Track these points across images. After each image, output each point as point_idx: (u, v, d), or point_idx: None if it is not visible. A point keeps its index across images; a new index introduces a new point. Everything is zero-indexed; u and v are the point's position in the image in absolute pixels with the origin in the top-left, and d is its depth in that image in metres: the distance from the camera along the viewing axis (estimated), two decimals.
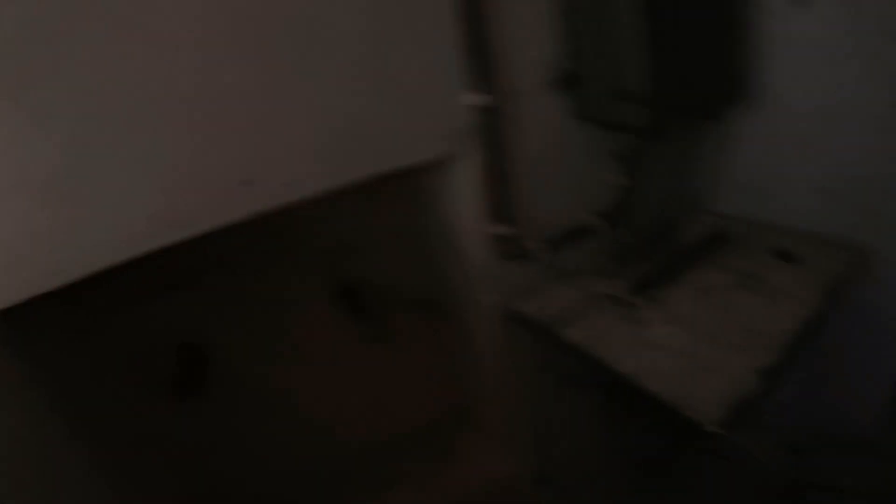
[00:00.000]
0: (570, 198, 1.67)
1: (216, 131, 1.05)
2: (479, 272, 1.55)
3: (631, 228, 1.73)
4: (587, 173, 1.69)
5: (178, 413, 1.52)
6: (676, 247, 1.85)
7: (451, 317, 1.78)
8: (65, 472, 1.23)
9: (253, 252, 1.52)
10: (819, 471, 2.15)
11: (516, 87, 1.44)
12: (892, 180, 1.79)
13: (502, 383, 1.68)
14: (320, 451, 1.78)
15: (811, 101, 1.83)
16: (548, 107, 1.52)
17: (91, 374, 1.38)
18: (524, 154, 1.50)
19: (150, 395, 1.49)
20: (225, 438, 1.63)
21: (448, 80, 1.31)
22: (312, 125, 1.15)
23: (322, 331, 1.68)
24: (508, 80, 1.42)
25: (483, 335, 1.66)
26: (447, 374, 1.91)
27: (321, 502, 1.80)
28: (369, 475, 1.84)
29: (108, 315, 1.41)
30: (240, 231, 1.10)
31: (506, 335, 1.63)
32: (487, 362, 1.68)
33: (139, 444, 1.49)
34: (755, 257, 1.73)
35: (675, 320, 1.46)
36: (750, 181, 2.08)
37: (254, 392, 1.63)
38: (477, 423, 1.90)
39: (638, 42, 1.30)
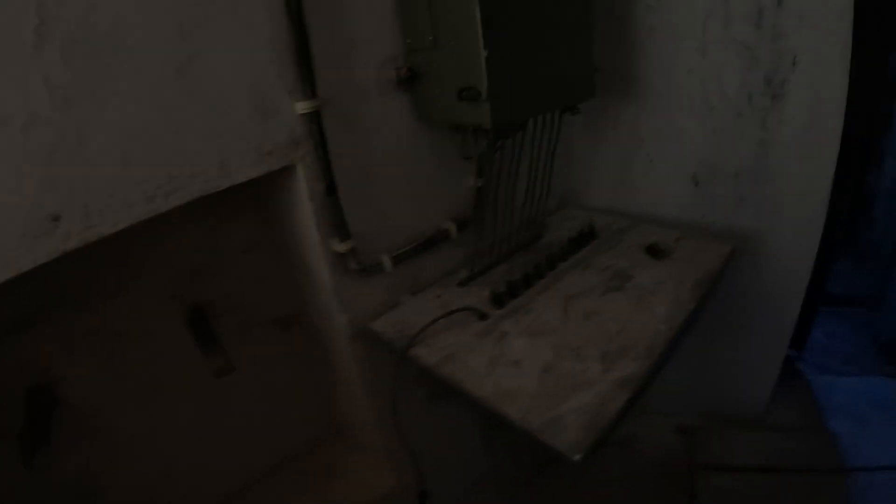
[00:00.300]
0: (422, 204, 1.54)
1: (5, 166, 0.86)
2: (327, 289, 1.39)
3: (490, 233, 1.62)
4: (439, 177, 1.56)
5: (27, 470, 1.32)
6: (542, 249, 1.75)
7: (312, 335, 1.65)
8: None
9: (100, 281, 1.34)
10: (711, 451, 2.18)
11: (353, 88, 1.28)
12: (761, 167, 1.80)
13: (371, 401, 1.57)
14: (191, 492, 1.62)
15: (681, 92, 1.80)
16: (390, 109, 1.37)
17: None
18: (365, 161, 1.36)
19: None
20: (80, 492, 1.44)
21: (271, 85, 1.13)
22: (116, 146, 0.96)
23: (176, 361, 1.51)
24: (343, 81, 1.26)
25: (342, 354, 1.52)
26: (318, 393, 1.79)
27: None
28: None
29: None
30: (80, 260, 0.98)
31: (364, 353, 1.50)
32: (353, 381, 1.56)
33: None
34: (625, 254, 1.66)
35: (539, 332, 1.35)
36: (620, 174, 2.04)
37: (109, 435, 1.45)
38: (355, 441, 1.79)
39: (475, 36, 1.16)
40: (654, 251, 1.61)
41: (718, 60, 1.70)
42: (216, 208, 1.37)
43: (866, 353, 2.54)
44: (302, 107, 1.16)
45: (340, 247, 1.32)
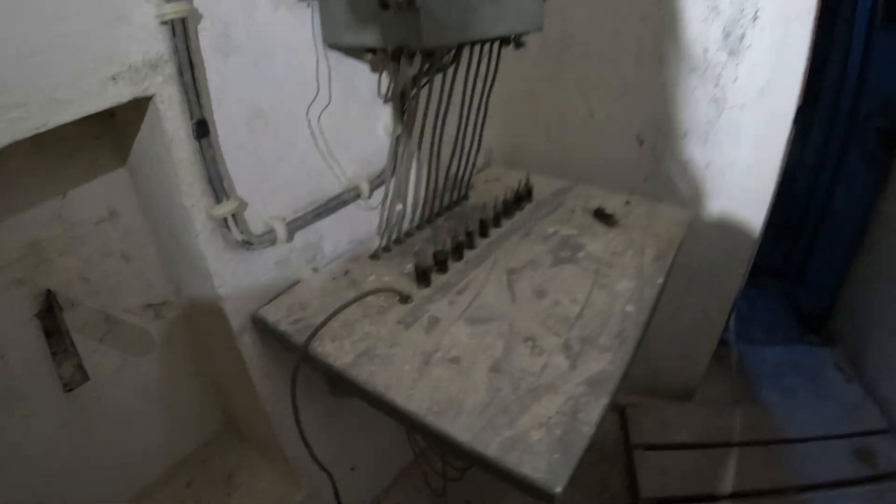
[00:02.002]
0: (326, 157, 1.20)
1: None
2: (203, 267, 1.04)
3: (410, 193, 1.33)
4: (348, 123, 1.22)
5: None
6: (470, 212, 1.48)
7: (192, 323, 1.29)
8: None
9: None
10: (647, 429, 2.05)
11: None
12: (712, 129, 1.60)
13: (270, 402, 1.24)
14: None
15: (630, 40, 1.56)
16: (288, 27, 1.02)
17: None
18: (253, 97, 1.01)
19: None
20: None
21: None
22: None
23: (27, 365, 1.12)
24: None
25: (228, 348, 1.17)
26: (205, 392, 1.43)
27: None
28: None
29: None
30: None
31: (256, 347, 1.17)
32: (244, 379, 1.22)
33: None
34: (570, 220, 1.41)
35: (480, 316, 1.07)
36: (556, 130, 1.79)
37: None
38: (258, 443, 1.47)
39: None
40: (603, 217, 1.38)
41: (675, 6, 1.49)
42: (60, 162, 1.00)
43: (788, 322, 2.51)
44: (165, 11, 0.80)
45: (217, 210, 0.97)
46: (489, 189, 1.60)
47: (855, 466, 1.87)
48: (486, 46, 1.21)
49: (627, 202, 1.47)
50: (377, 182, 1.29)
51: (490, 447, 0.80)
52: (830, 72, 2.25)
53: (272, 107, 1.04)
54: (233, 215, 1.00)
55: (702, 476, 1.87)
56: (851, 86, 2.12)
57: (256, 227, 1.09)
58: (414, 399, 0.89)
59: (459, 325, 1.05)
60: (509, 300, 1.11)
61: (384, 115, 1.27)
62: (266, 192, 1.09)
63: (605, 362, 0.97)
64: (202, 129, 0.91)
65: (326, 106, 1.14)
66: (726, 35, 1.46)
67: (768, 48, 1.44)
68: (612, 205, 1.46)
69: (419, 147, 1.25)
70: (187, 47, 0.85)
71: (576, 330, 1.04)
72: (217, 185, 0.96)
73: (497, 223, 1.39)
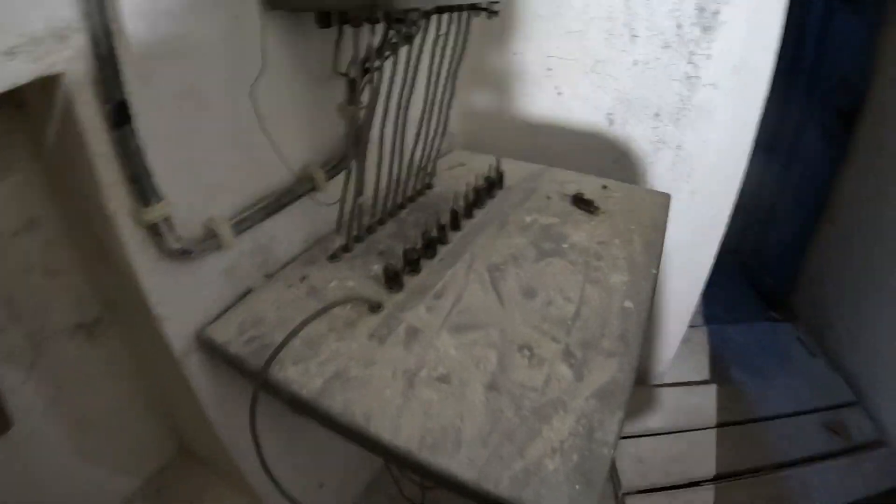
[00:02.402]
0: (274, 143, 1.01)
1: None
2: (136, 283, 0.86)
3: (371, 182, 1.15)
4: (299, 102, 1.05)
5: None
6: (436, 203, 1.33)
7: (131, 340, 1.10)
8: None
9: None
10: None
11: None
12: (684, 108, 1.51)
13: (224, 428, 1.07)
14: None
15: (601, 15, 1.45)
16: None
17: None
18: (184, 76, 0.82)
19: None
20: None
21: None
22: None
23: None
24: None
25: (173, 372, 1.01)
26: (153, 415, 1.24)
27: None
28: None
29: None
30: None
31: (205, 371, 0.99)
32: (193, 404, 1.05)
33: None
34: (547, 207, 1.29)
35: (466, 323, 0.93)
36: (521, 109, 1.67)
37: None
38: (214, 468, 1.29)
39: None
40: (582, 203, 1.27)
41: None
42: None
43: (748, 300, 2.51)
44: None
45: (147, 214, 0.78)
46: (454, 176, 1.46)
47: (828, 440, 1.88)
48: (455, 15, 1.06)
49: (604, 186, 1.37)
50: (333, 171, 1.12)
51: (501, 485, 0.67)
52: (786, 50, 2.23)
53: (208, 85, 0.86)
54: (166, 219, 0.82)
55: (681, 462, 1.83)
56: (808, 64, 2.10)
57: (196, 230, 0.90)
58: (402, 431, 0.75)
59: (443, 335, 0.91)
60: (496, 302, 0.98)
61: (339, 94, 1.11)
62: (205, 189, 0.91)
63: (612, 370, 0.86)
64: (122, 115, 0.73)
65: (272, 83, 0.96)
66: (700, 10, 1.37)
67: (743, 23, 1.36)
68: (589, 189, 1.35)
69: (382, 130, 1.09)
70: (102, 11, 0.66)
71: (575, 333, 0.92)
72: (144, 183, 0.77)
73: (469, 214, 1.25)
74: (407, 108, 1.10)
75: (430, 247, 1.09)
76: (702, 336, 2.33)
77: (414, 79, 1.07)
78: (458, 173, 1.47)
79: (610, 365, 0.87)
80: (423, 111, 1.18)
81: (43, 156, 0.84)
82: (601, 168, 1.60)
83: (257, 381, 0.84)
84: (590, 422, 0.77)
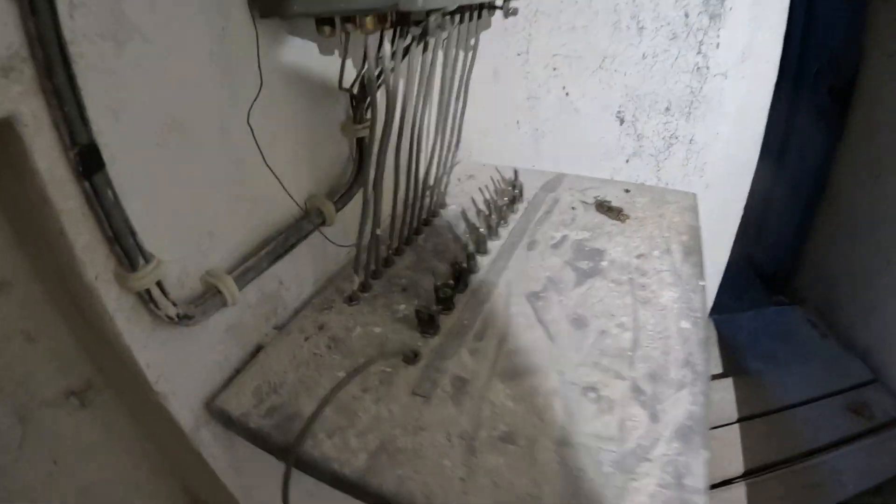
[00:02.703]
0: (276, 175, 0.86)
1: None
2: (133, 357, 0.71)
3: (385, 209, 1.01)
4: (298, 126, 0.90)
5: None
6: (457, 224, 1.18)
7: (129, 403, 0.93)
8: None
9: None
10: None
11: None
12: (695, 99, 1.41)
13: (246, 497, 0.92)
14: None
15: (607, 8, 1.34)
16: None
17: None
18: (165, 104, 0.66)
19: None
20: None
21: None
22: None
23: None
24: None
25: (183, 445, 0.84)
26: (163, 477, 1.07)
27: None
28: None
29: None
30: None
31: (221, 445, 0.82)
32: (208, 476, 0.89)
33: None
34: (575, 220, 1.16)
35: (517, 369, 0.79)
36: (526, 113, 1.55)
37: None
38: None
39: None
40: (609, 210, 1.15)
41: None
42: None
43: (753, 285, 2.44)
44: None
45: (134, 280, 0.63)
46: (465, 191, 1.32)
47: (852, 422, 1.81)
48: (471, 15, 0.93)
49: (627, 190, 1.26)
50: (342, 201, 0.98)
51: None
52: None
53: (196, 114, 0.70)
54: (158, 283, 0.67)
55: (712, 461, 1.74)
56: (796, 43, 2.03)
57: (194, 288, 0.75)
58: None
59: (495, 384, 0.77)
60: (545, 338, 0.85)
61: (341, 111, 0.96)
62: (201, 238, 0.76)
63: (686, 402, 0.74)
64: (92, 161, 0.57)
65: (270, 105, 0.81)
66: None
67: (749, 8, 1.27)
68: (612, 195, 1.23)
69: (398, 148, 0.95)
70: (56, 33, 0.50)
71: (638, 366, 0.80)
72: (127, 242, 0.61)
73: (494, 233, 1.12)
74: (422, 119, 0.96)
75: (459, 279, 0.95)
76: (710, 327, 2.25)
77: (428, 87, 0.93)
78: (468, 187, 1.33)
79: (682, 398, 0.75)
80: (438, 124, 1.04)
81: (6, 210, 0.69)
82: (614, 169, 1.49)
83: (288, 463, 0.69)
84: (676, 469, 0.66)
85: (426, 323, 0.85)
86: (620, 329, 0.86)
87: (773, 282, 2.39)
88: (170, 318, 0.69)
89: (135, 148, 0.64)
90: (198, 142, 0.72)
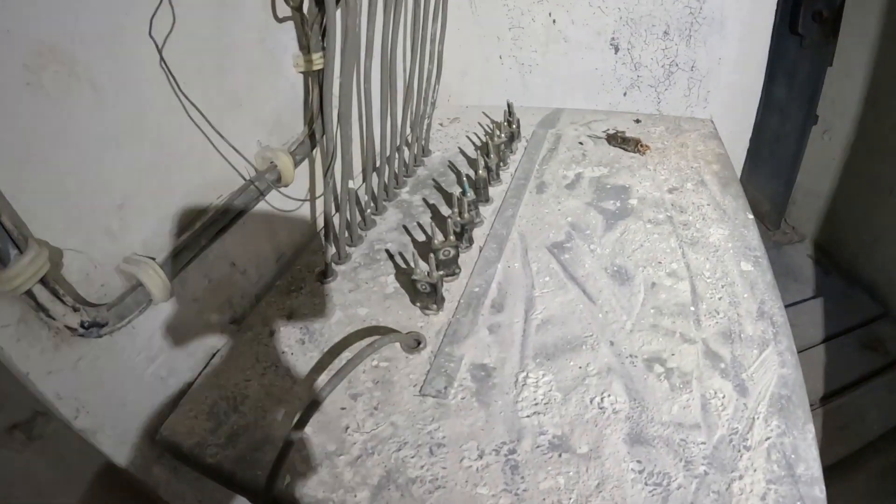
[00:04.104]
0: (209, 124, 0.59)
1: None
2: (37, 389, 0.48)
3: (356, 157, 0.78)
4: (232, 57, 0.63)
5: None
6: (446, 173, 0.93)
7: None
8: None
9: None
10: None
11: None
12: (695, 20, 1.20)
13: None
14: None
15: None
16: None
17: None
18: (28, 28, 0.40)
19: None
20: None
21: None
22: None
23: None
24: None
25: (136, 485, 0.61)
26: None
27: None
28: None
29: None
30: None
31: (176, 474, 0.57)
32: None
33: None
34: (587, 155, 0.92)
35: (557, 346, 0.57)
36: (509, 47, 1.32)
37: None
38: None
39: None
40: (624, 142, 0.93)
41: None
42: None
43: None
44: None
45: (4, 282, 0.39)
46: (449, 135, 1.07)
47: (868, 358, 1.66)
48: None
49: (637, 121, 1.04)
50: (300, 152, 0.73)
51: None
52: None
53: (83, 39, 0.45)
54: (44, 280, 0.43)
55: None
56: None
57: (108, 284, 0.51)
58: None
59: (531, 369, 0.55)
60: (583, 300, 0.62)
61: (290, 40, 0.71)
62: (107, 215, 0.51)
63: (774, 365, 0.55)
64: None
65: (190, 26, 0.56)
66: None
67: None
68: (621, 127, 1.01)
69: (366, 78, 0.70)
70: None
71: (706, 324, 0.59)
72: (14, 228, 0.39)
73: (496, 177, 0.88)
74: (394, 45, 0.72)
75: (461, 235, 0.72)
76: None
77: (398, 2, 0.69)
78: (454, 131, 1.08)
79: (769, 360, 0.56)
80: (414, 48, 0.79)
81: None
82: (611, 104, 1.26)
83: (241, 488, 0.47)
84: (783, 454, 0.47)
85: (426, 295, 0.62)
86: (673, 279, 0.65)
87: (768, 219, 2.21)
88: (71, 328, 0.46)
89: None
90: (88, 78, 0.47)
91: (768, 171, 2.13)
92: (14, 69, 0.41)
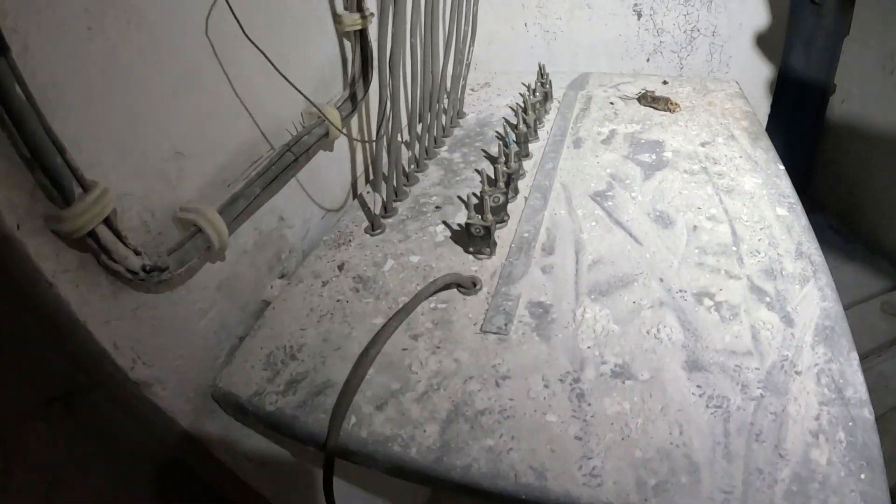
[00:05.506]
0: (263, 78, 0.59)
1: None
2: (93, 339, 0.46)
3: (402, 115, 0.79)
4: (280, 10, 0.68)
5: None
6: (474, 132, 0.93)
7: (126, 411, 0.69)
8: None
9: None
10: None
11: None
12: None
13: (273, 489, 0.70)
14: None
15: None
16: None
17: None
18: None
19: None
20: None
21: None
22: None
23: None
24: None
25: (183, 435, 0.62)
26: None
27: None
28: None
29: None
30: None
31: (228, 425, 0.58)
32: (221, 465, 0.65)
33: None
34: (618, 114, 0.93)
35: (609, 283, 0.58)
36: (533, 12, 1.31)
37: None
38: None
39: None
40: (655, 101, 0.93)
41: None
42: None
43: None
44: None
45: (69, 221, 0.39)
46: (483, 99, 1.08)
47: (890, 325, 1.66)
48: None
49: (665, 82, 1.03)
50: (345, 108, 0.74)
51: None
52: None
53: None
54: (107, 220, 0.43)
55: None
56: None
57: (165, 232, 0.51)
58: (605, 477, 0.41)
59: (587, 305, 0.56)
60: (630, 241, 0.63)
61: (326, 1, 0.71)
62: (165, 162, 0.51)
63: (816, 299, 0.57)
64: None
65: None
66: None
67: None
68: (650, 88, 1.01)
69: (410, 40, 0.71)
70: None
71: (748, 262, 0.60)
72: (51, 162, 0.38)
73: (533, 135, 0.89)
74: (436, 5, 0.72)
75: (507, 184, 0.72)
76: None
77: None
78: (486, 95, 1.09)
79: (811, 295, 0.57)
80: (452, 9, 0.79)
81: None
82: (634, 70, 1.26)
83: (327, 454, 0.48)
84: (831, 378, 0.49)
85: (480, 240, 0.62)
86: (713, 222, 0.66)
87: None
88: (133, 272, 0.46)
89: (56, 32, 0.40)
90: (147, 26, 0.48)
91: (789, 142, 2.12)
92: (76, 12, 0.42)
